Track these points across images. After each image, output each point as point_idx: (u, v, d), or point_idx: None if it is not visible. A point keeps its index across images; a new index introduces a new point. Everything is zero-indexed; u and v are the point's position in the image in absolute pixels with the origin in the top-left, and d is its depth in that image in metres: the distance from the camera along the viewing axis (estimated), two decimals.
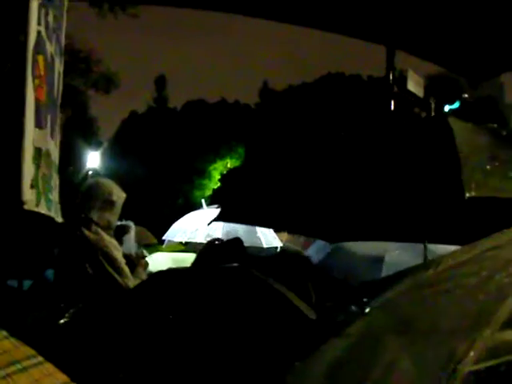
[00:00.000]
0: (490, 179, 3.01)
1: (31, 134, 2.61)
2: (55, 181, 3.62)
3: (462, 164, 2.95)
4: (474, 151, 3.20)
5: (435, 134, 3.57)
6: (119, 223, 6.29)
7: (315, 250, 10.99)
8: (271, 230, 12.87)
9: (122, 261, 4.50)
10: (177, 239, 12.55)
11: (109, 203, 4.56)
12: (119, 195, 4.69)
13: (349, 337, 1.56)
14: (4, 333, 1.19)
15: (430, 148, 3.57)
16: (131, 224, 7.41)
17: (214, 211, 12.42)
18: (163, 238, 12.89)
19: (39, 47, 2.72)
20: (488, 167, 3.06)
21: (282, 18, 4.23)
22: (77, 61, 29.83)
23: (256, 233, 11.65)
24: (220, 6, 3.99)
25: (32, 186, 2.79)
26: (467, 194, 2.87)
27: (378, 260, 7.93)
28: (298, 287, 3.70)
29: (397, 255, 7.52)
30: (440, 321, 1.52)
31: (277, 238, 12.37)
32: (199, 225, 11.28)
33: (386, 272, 7.43)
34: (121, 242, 5.69)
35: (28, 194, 2.72)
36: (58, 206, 3.89)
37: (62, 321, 3.33)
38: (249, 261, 5.35)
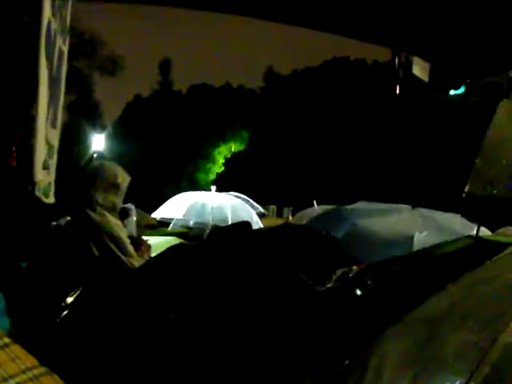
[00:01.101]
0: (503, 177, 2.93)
1: (44, 112, 2.61)
2: (55, 162, 3.61)
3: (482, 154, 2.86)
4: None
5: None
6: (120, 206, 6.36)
7: (323, 227, 10.96)
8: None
9: (127, 241, 4.54)
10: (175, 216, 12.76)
11: (114, 186, 4.59)
12: (124, 178, 4.73)
13: None
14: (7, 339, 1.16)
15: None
16: (132, 207, 7.42)
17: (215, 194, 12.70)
18: (156, 216, 13.05)
19: (49, 26, 2.71)
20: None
21: (284, 20, 4.21)
22: (82, 43, 29.74)
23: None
24: (222, 7, 3.97)
25: (44, 167, 2.78)
26: (466, 189, 2.83)
27: (407, 241, 7.80)
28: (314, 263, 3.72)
29: (424, 237, 7.43)
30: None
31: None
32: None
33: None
34: (123, 225, 5.72)
35: (40, 175, 2.71)
36: (52, 188, 3.89)
37: (64, 303, 3.35)
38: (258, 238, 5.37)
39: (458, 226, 6.82)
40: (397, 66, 7.79)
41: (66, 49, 3.47)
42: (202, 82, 57.03)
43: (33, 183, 2.79)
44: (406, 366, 1.42)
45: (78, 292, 3.49)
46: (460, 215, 7.44)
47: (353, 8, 3.69)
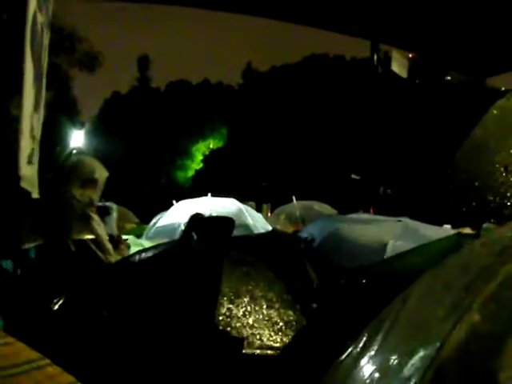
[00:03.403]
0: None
1: (30, 106, 2.64)
2: (37, 156, 3.64)
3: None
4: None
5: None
6: (101, 204, 6.27)
7: (310, 233, 11.07)
8: (260, 215, 12.79)
9: (105, 237, 4.56)
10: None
11: (91, 181, 4.60)
12: (101, 173, 4.74)
13: None
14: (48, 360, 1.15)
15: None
16: (113, 205, 7.35)
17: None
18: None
19: (34, 19, 2.75)
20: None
21: (264, 14, 4.28)
22: (61, 39, 29.52)
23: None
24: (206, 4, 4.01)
25: (29, 162, 2.80)
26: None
27: (381, 247, 8.03)
28: (295, 266, 3.84)
29: (399, 245, 7.63)
30: None
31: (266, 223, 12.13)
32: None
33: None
34: (103, 223, 5.72)
35: (25, 169, 2.73)
36: (36, 182, 3.90)
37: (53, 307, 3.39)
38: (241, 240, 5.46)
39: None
40: (375, 62, 7.88)
41: (47, 42, 3.50)
42: (180, 78, 56.90)
43: (17, 177, 2.81)
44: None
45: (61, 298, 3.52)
46: (450, 227, 7.66)
47: (338, 4, 3.77)
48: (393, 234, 7.88)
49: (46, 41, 3.41)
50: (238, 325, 3.00)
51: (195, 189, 29.29)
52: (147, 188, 44.46)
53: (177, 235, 9.44)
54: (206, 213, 9.75)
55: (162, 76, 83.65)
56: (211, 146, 52.31)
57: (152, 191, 44.74)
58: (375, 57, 7.53)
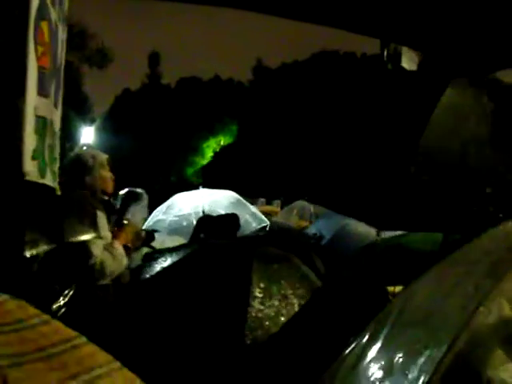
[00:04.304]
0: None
1: (33, 103, 2.63)
2: (58, 151, 3.63)
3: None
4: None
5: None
6: (128, 189, 5.56)
7: (318, 229, 11.11)
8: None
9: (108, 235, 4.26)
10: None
11: (90, 169, 4.45)
12: (98, 158, 4.57)
13: None
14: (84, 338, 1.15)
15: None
16: (143, 192, 5.80)
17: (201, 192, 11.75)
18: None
19: (43, 13, 2.74)
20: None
21: (273, 12, 4.24)
22: (71, 35, 29.61)
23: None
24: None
25: (34, 158, 2.78)
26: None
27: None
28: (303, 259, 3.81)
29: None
30: None
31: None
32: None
33: None
34: (126, 210, 5.11)
35: (29, 166, 2.71)
36: (54, 178, 3.86)
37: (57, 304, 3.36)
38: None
39: None
40: (385, 59, 7.84)
41: (65, 38, 3.49)
42: (191, 74, 56.97)
43: (21, 174, 2.80)
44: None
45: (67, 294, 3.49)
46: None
47: (346, 2, 3.75)
48: None
49: (62, 36, 3.41)
50: (270, 324, 2.95)
51: (205, 185, 29.24)
52: (157, 185, 44.51)
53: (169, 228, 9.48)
54: (199, 207, 9.71)
55: (172, 72, 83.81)
56: (222, 143, 52.34)
57: (162, 188, 44.81)
58: (385, 53, 7.49)
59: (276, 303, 3.08)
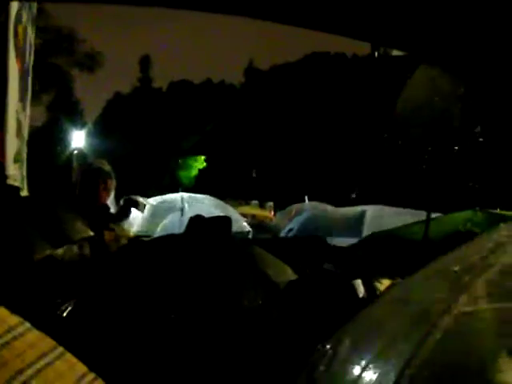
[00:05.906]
0: None
1: (15, 106, 2.58)
2: (25, 154, 3.58)
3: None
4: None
5: None
6: (127, 197, 5.44)
7: (290, 227, 12.28)
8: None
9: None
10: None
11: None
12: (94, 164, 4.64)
13: None
14: (27, 324, 1.15)
15: None
16: (143, 201, 5.45)
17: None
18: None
19: (20, 17, 2.70)
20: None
21: (264, 16, 4.21)
22: (60, 39, 29.52)
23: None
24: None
25: (15, 161, 2.74)
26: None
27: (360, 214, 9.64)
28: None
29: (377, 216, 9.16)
30: None
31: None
32: None
33: (366, 231, 8.85)
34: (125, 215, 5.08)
35: (12, 169, 2.68)
36: (25, 180, 3.82)
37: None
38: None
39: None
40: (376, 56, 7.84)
41: (33, 39, 3.46)
42: (182, 77, 56.95)
43: (4, 177, 2.75)
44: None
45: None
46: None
47: (333, 3, 3.70)
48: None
49: (30, 38, 3.36)
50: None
51: (199, 189, 29.23)
52: (151, 190, 44.44)
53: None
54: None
55: (163, 76, 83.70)
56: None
57: (156, 192, 44.74)
58: (375, 54, 7.48)
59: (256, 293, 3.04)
